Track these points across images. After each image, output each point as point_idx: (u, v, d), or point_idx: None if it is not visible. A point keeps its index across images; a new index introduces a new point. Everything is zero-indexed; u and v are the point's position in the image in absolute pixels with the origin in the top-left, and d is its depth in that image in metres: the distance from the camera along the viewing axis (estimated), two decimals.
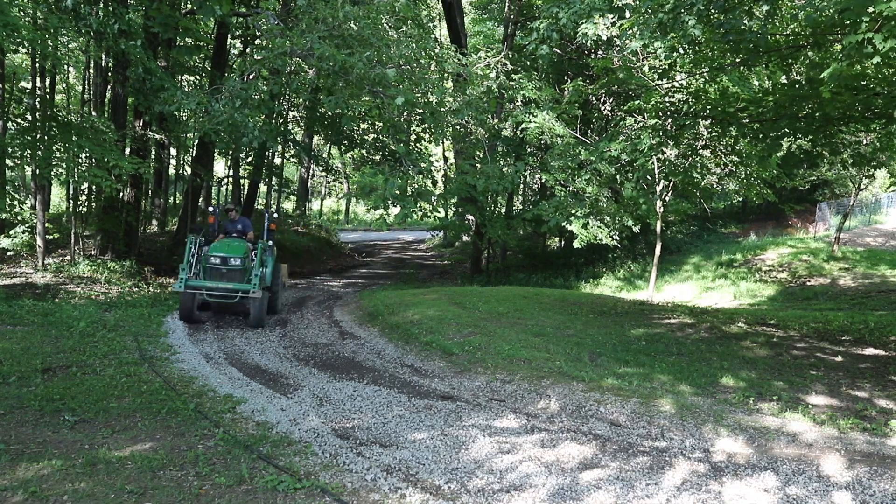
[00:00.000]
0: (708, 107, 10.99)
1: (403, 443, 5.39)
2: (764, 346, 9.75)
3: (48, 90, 18.15)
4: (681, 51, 9.13)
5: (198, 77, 21.21)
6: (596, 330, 10.69)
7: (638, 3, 8.20)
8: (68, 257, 15.26)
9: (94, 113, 17.29)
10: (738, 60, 9.15)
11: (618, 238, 18.55)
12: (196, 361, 8.14)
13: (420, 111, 14.16)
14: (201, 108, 11.64)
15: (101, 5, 12.74)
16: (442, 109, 14.52)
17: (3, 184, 15.11)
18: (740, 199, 29.02)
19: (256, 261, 10.51)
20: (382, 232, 35.09)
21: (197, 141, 18.94)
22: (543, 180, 20.49)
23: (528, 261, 24.71)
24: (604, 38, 9.30)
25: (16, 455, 4.77)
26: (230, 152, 18.71)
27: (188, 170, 21.51)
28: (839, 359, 9.20)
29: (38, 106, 15.53)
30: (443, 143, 28.91)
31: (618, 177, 17.70)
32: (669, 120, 11.76)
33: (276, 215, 12.56)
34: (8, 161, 14.20)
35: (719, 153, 14.89)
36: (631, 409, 6.29)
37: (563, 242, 26.05)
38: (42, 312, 10.26)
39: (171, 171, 25.54)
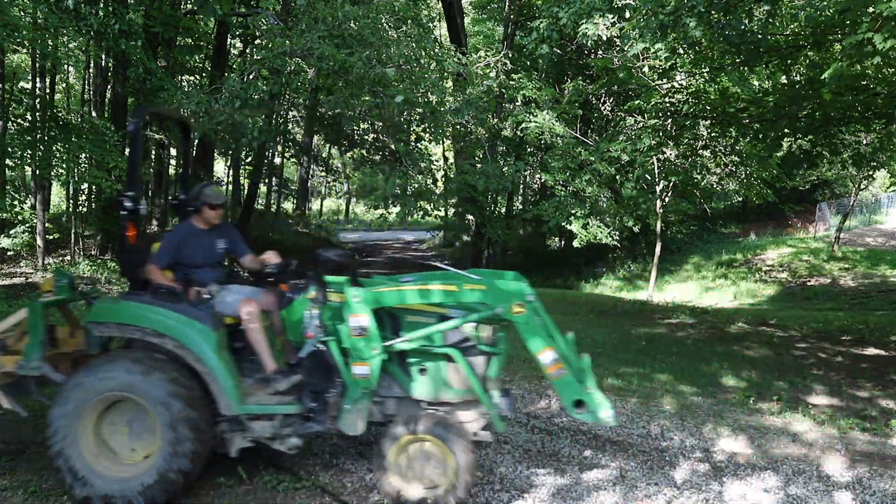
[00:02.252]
0: (708, 107, 10.99)
1: None
2: (764, 346, 9.75)
3: (48, 90, 18.12)
4: (681, 51, 9.13)
5: (198, 77, 21.20)
6: (596, 330, 10.69)
7: (638, 3, 8.20)
8: (68, 257, 15.25)
9: (94, 113, 17.27)
10: (738, 61, 9.16)
11: (618, 238, 18.55)
12: None
13: (420, 110, 14.15)
14: (201, 108, 11.62)
15: (102, 5, 12.73)
16: (442, 109, 14.50)
17: (3, 184, 15.09)
18: (740, 199, 29.01)
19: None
20: (382, 232, 35.07)
21: (197, 141, 18.93)
22: (543, 180, 20.49)
23: (528, 261, 24.70)
24: (604, 38, 9.29)
25: (16, 455, 4.76)
26: (230, 152, 18.68)
27: None
28: (840, 359, 9.20)
29: (38, 106, 15.50)
30: (443, 142, 28.90)
31: (618, 177, 17.70)
32: (669, 120, 11.76)
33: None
34: (8, 161, 14.17)
35: (719, 153, 14.89)
36: (631, 409, 6.30)
37: (563, 242, 26.05)
38: None
39: (171, 171, 25.51)
